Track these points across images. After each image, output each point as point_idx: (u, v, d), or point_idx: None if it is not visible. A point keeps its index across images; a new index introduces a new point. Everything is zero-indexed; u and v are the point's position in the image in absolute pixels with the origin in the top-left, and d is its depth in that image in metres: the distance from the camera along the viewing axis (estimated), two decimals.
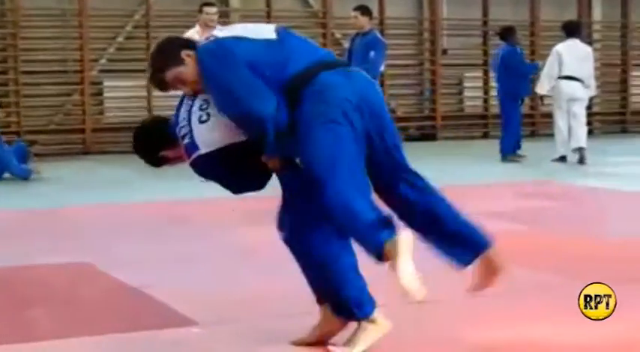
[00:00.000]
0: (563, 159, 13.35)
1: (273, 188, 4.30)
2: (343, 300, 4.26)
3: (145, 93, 16.75)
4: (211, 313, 5.04)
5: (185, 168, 4.41)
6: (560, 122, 13.41)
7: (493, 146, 14.44)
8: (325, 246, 4.21)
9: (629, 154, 14.43)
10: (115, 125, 16.66)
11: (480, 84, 19.30)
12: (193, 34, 10.45)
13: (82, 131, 16.39)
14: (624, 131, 19.74)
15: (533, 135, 18.66)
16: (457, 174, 12.05)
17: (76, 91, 16.49)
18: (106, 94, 16.89)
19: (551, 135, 13.96)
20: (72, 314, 5.14)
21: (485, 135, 18.81)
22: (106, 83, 16.73)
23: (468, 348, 4.32)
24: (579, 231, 7.57)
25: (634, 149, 15.52)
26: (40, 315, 5.08)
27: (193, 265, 6.42)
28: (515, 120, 14.06)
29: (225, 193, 4.42)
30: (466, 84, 19.42)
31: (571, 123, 13.39)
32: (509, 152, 13.87)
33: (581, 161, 13.10)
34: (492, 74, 15.51)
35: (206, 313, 5.02)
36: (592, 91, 13.96)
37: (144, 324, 4.84)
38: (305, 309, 4.53)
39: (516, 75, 13.86)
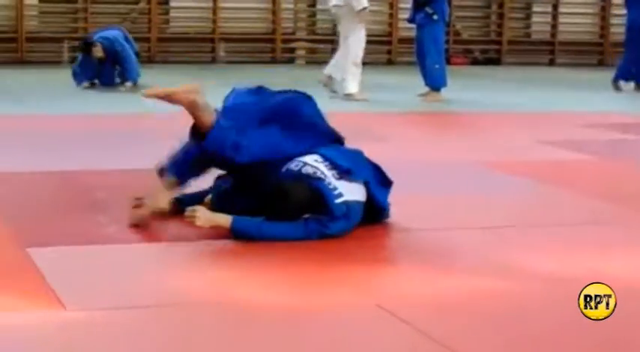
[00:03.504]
0: None
1: None
2: None
3: (210, 4, 16.74)
4: None
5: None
6: None
7: (559, 73, 14.25)
8: None
9: None
10: (179, 35, 16.71)
11: (549, 9, 19.00)
12: None
13: (148, 40, 16.44)
14: None
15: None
16: (523, 100, 11.98)
17: (143, 0, 16.51)
18: (172, 4, 16.90)
19: None
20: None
21: (551, 63, 18.58)
22: None
23: (525, 276, 4.28)
24: None
25: None
26: (108, 220, 5.14)
27: None
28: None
29: None
30: (535, 9, 19.14)
31: None
32: (624, 78, 13.45)
33: None
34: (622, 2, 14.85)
35: None
36: None
37: (208, 234, 4.86)
38: None
39: None
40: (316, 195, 4.74)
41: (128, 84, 12.11)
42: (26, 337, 3.39)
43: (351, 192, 4.82)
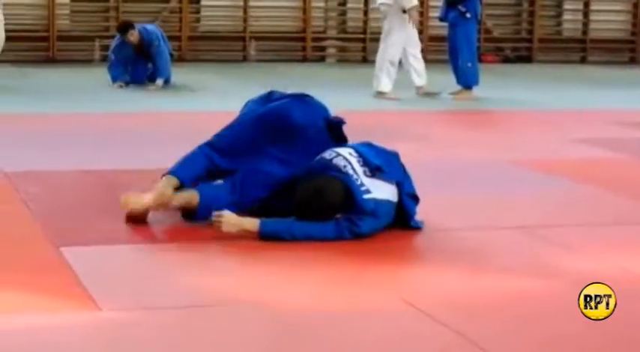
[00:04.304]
0: None
1: None
2: None
3: (241, 3, 16.75)
4: None
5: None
6: None
7: (591, 71, 14.13)
8: None
9: None
10: (210, 34, 16.73)
11: (581, 7, 18.88)
12: None
13: (179, 38, 16.45)
14: None
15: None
16: (555, 98, 11.90)
17: None
18: (203, 2, 16.92)
19: None
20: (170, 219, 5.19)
21: (583, 60, 18.45)
22: None
23: (559, 277, 4.25)
24: None
25: None
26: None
27: None
28: None
29: None
30: (566, 6, 19.02)
31: None
32: None
33: None
34: None
35: None
36: None
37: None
38: None
39: None
40: (347, 192, 4.73)
41: (158, 82, 12.09)
42: (62, 338, 3.40)
43: (381, 190, 4.80)
